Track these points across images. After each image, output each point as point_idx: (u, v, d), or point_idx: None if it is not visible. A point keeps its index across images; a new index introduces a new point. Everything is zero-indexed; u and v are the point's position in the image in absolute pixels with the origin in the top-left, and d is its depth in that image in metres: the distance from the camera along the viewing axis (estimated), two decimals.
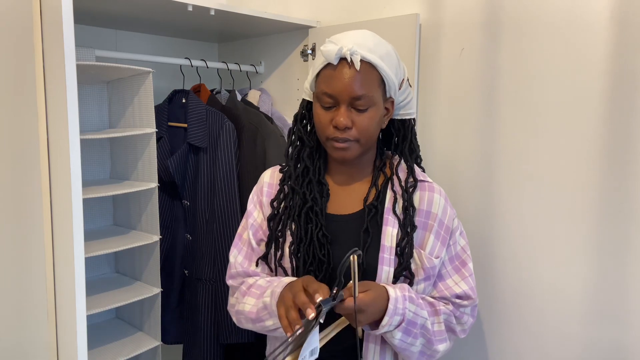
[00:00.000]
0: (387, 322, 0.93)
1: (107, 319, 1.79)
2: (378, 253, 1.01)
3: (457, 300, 1.06)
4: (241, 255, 1.12)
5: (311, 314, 0.82)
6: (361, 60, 0.94)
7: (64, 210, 1.16)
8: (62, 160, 1.15)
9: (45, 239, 1.21)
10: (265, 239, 1.10)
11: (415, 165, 1.11)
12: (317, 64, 1.00)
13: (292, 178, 1.07)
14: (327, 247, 1.01)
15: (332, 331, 0.95)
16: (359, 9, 1.63)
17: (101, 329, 1.69)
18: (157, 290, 1.57)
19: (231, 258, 1.13)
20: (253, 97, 1.85)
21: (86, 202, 1.35)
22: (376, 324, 0.95)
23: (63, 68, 1.09)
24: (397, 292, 0.95)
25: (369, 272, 1.01)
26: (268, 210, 1.10)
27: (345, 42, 0.95)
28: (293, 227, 1.04)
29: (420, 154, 1.15)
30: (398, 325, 0.95)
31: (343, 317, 0.96)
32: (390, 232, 1.01)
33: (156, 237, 1.56)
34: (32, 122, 1.19)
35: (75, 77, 1.11)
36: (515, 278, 1.35)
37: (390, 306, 0.92)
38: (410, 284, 1.01)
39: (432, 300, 1.05)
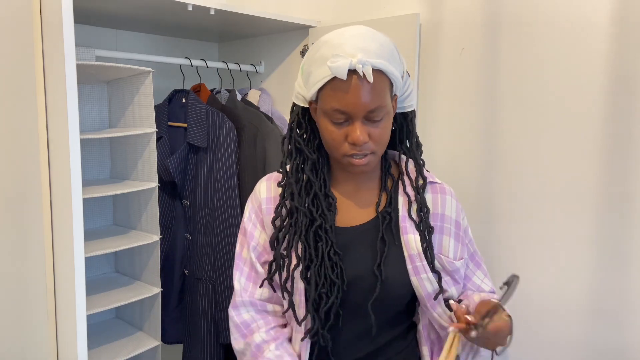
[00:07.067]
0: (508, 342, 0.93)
1: (107, 319, 1.79)
2: (399, 264, 0.96)
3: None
4: (244, 277, 1.04)
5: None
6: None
7: (64, 210, 1.16)
8: (62, 160, 1.15)
9: (45, 239, 1.21)
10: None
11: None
12: (318, 75, 0.88)
13: (295, 195, 0.97)
14: (339, 266, 0.94)
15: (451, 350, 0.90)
16: (359, 9, 1.63)
17: (101, 329, 1.69)
18: (157, 290, 1.57)
19: (236, 284, 1.03)
20: (253, 97, 1.85)
21: (86, 202, 1.35)
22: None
23: (63, 68, 1.09)
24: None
25: (390, 285, 0.94)
26: (271, 229, 1.01)
27: (350, 51, 0.85)
28: (299, 247, 0.95)
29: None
30: None
31: (453, 337, 0.91)
32: (413, 239, 0.96)
33: (156, 237, 1.55)
34: (32, 122, 1.19)
35: (75, 77, 1.11)
36: None
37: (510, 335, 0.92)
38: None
39: None
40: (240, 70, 1.88)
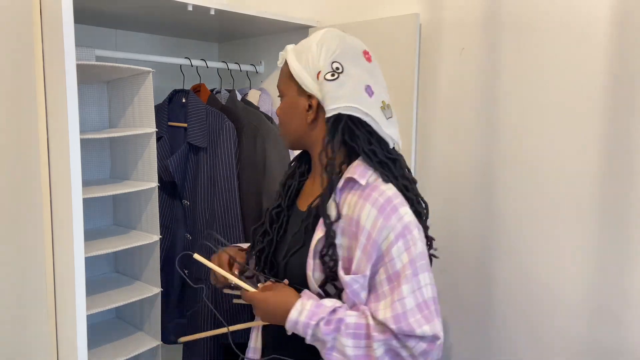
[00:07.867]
0: (289, 330, 0.96)
1: (107, 319, 1.79)
2: (303, 257, 0.99)
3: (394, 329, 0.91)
4: None
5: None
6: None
7: (64, 210, 1.16)
8: (62, 160, 1.15)
9: (45, 239, 1.21)
10: None
11: (364, 163, 1.00)
12: None
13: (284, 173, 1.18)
14: (273, 237, 1.10)
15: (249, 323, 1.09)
16: (359, 9, 1.63)
17: (101, 329, 1.69)
18: (157, 290, 1.57)
19: None
20: (253, 96, 1.85)
21: (86, 202, 1.35)
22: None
23: (63, 68, 1.09)
24: (301, 317, 0.93)
25: (294, 275, 1.02)
26: None
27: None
28: (267, 217, 1.14)
29: (372, 147, 1.00)
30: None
31: None
32: (317, 237, 0.98)
33: (156, 237, 1.55)
34: (32, 122, 1.19)
35: (75, 77, 1.11)
36: (516, 278, 1.35)
37: (287, 325, 0.95)
38: (339, 296, 0.97)
39: (371, 323, 0.92)
40: (240, 70, 1.89)
